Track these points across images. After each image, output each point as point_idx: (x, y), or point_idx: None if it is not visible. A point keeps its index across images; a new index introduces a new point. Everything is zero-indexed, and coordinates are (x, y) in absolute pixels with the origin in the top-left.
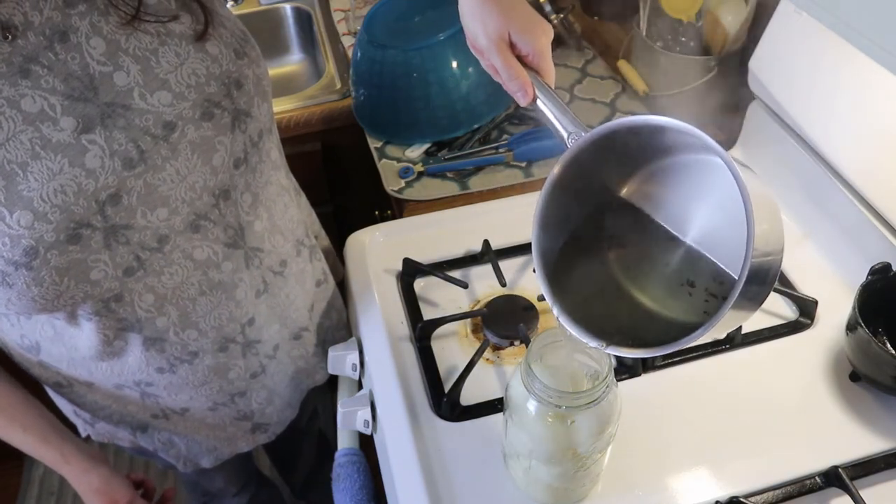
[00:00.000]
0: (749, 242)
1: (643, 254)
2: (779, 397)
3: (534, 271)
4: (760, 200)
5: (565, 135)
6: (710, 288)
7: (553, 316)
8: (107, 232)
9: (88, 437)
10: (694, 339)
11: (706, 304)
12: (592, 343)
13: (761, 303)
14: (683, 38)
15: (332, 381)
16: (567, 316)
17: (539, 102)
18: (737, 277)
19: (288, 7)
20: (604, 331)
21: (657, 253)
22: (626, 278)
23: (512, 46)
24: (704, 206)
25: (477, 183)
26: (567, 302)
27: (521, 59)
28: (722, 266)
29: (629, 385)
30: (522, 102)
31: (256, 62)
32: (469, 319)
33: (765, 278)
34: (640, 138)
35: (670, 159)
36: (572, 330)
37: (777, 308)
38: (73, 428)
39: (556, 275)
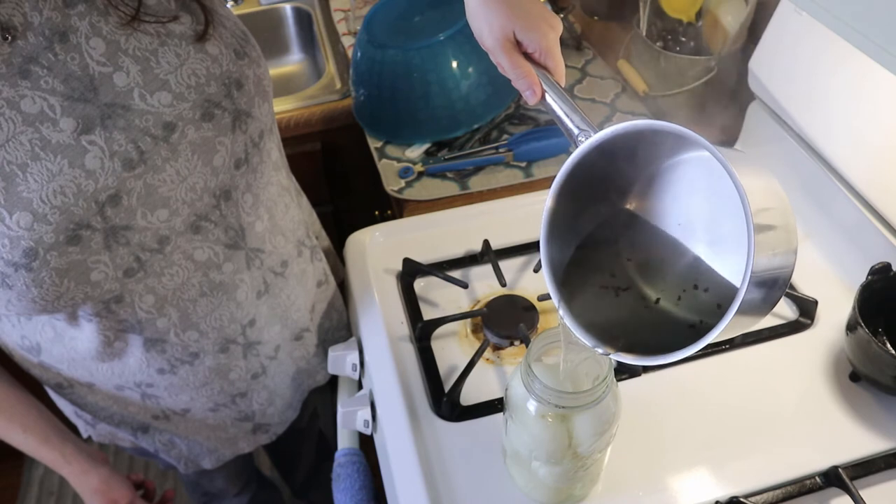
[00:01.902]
0: (749, 259)
1: (652, 259)
2: (779, 397)
3: (535, 271)
4: (769, 211)
5: (575, 132)
6: (718, 292)
7: (553, 316)
8: (107, 233)
9: (89, 438)
10: (691, 350)
11: (714, 310)
12: (599, 350)
13: (772, 306)
14: (683, 38)
15: (332, 381)
16: (574, 320)
17: (548, 100)
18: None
19: (288, 7)
20: (610, 336)
21: (666, 258)
22: (633, 284)
23: (519, 44)
24: (717, 207)
25: (477, 183)
26: (574, 307)
27: (529, 57)
28: (725, 277)
29: (629, 385)
30: (531, 101)
31: (257, 62)
32: (469, 319)
33: (772, 285)
34: (648, 141)
35: (678, 158)
36: (579, 334)
37: (777, 308)
38: (73, 429)
39: (564, 278)
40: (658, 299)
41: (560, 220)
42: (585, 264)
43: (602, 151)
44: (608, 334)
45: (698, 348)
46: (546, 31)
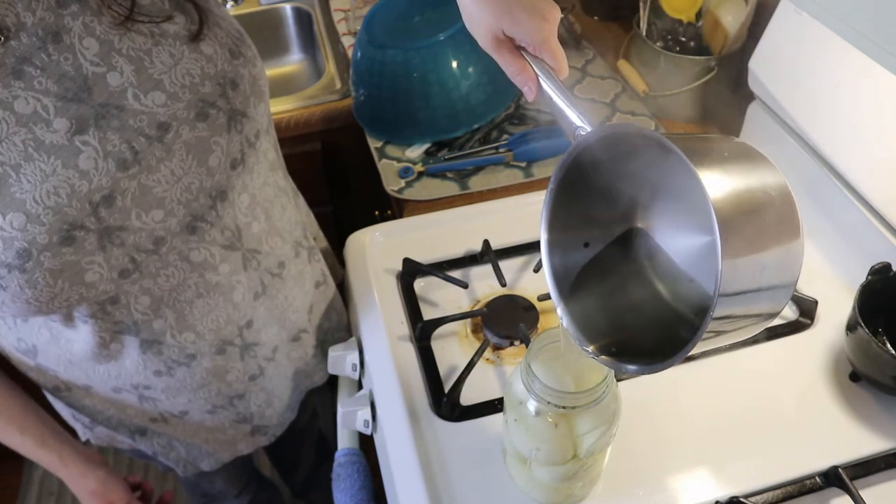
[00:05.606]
0: (717, 284)
1: (654, 263)
2: (779, 397)
3: (535, 271)
4: (758, 221)
5: (574, 126)
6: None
7: (553, 315)
8: (101, 234)
9: (88, 441)
10: (670, 364)
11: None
12: (587, 349)
13: (772, 318)
14: (683, 38)
15: (332, 381)
16: (570, 318)
17: (545, 95)
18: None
19: (288, 7)
20: (599, 338)
21: (671, 265)
22: (632, 288)
23: (512, 40)
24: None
25: (477, 183)
26: (572, 304)
27: (526, 51)
28: (706, 288)
29: (629, 385)
30: (529, 98)
31: (252, 62)
32: (469, 319)
33: (766, 299)
34: (636, 143)
35: (674, 159)
36: (573, 333)
37: None
38: (72, 432)
39: (564, 278)
40: (653, 306)
41: (559, 220)
42: (590, 265)
43: (593, 156)
44: (600, 336)
45: (662, 370)
46: (538, 24)
